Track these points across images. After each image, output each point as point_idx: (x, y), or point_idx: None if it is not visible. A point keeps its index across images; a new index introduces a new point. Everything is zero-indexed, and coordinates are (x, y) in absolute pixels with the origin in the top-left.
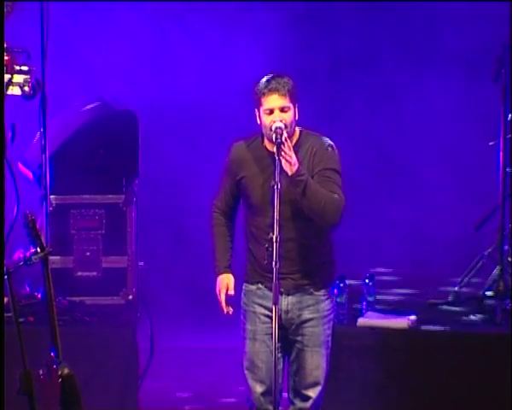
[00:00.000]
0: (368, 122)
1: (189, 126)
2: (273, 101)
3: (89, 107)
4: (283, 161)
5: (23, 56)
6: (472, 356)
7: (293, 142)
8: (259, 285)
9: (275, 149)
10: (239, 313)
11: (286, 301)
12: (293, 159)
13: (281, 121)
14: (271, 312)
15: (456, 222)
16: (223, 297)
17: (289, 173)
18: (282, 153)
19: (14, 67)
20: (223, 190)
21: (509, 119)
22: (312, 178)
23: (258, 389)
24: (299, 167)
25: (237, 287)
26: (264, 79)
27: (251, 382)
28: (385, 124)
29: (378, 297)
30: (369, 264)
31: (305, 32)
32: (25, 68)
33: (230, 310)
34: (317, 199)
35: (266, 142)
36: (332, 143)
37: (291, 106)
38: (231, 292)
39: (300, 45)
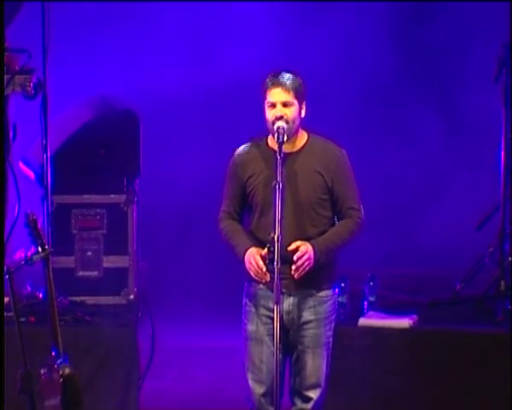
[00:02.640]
0: (370, 123)
1: (190, 126)
2: (276, 95)
3: (90, 106)
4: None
5: (24, 56)
6: (472, 356)
7: (301, 145)
8: (261, 286)
9: (277, 148)
10: (239, 313)
11: (287, 302)
12: (309, 259)
13: (282, 117)
14: (273, 312)
15: (456, 222)
16: (260, 263)
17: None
18: (299, 272)
19: (15, 67)
20: (229, 197)
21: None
22: (332, 183)
23: (259, 390)
24: (315, 255)
25: (239, 287)
26: (271, 73)
27: (251, 382)
28: (385, 124)
29: (379, 297)
30: (369, 264)
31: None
32: (26, 68)
33: (268, 277)
34: (344, 245)
35: (271, 139)
36: (341, 149)
37: (295, 102)
38: (264, 252)
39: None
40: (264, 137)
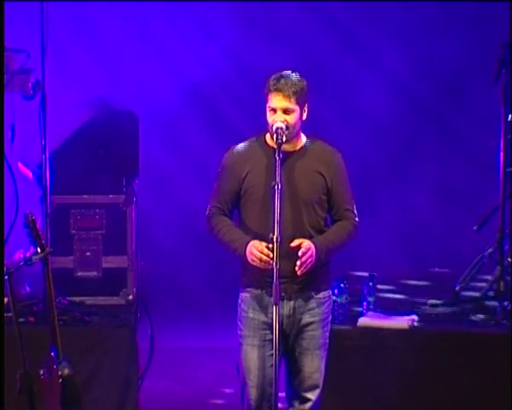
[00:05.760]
0: (366, 121)
1: (190, 126)
2: (277, 101)
3: (89, 106)
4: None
5: (23, 56)
6: (472, 356)
7: (301, 145)
8: (259, 291)
9: (276, 148)
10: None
11: (288, 307)
12: (312, 256)
13: (282, 122)
14: (270, 319)
15: (456, 222)
16: (265, 250)
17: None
18: (303, 268)
19: (14, 67)
20: (222, 193)
21: (509, 119)
22: (331, 184)
23: (255, 395)
24: (317, 252)
25: (238, 287)
26: (274, 75)
27: (247, 387)
28: (384, 123)
29: (378, 297)
30: (369, 264)
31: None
32: (25, 68)
33: (271, 262)
34: (342, 245)
35: (269, 138)
36: (338, 152)
37: (296, 108)
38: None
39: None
40: (262, 134)
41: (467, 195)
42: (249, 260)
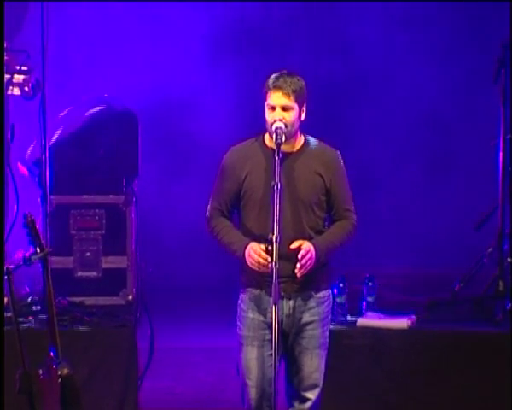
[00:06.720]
0: (366, 120)
1: (190, 126)
2: (276, 98)
3: (89, 107)
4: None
5: (23, 56)
6: (472, 356)
7: (299, 146)
8: (258, 291)
9: (275, 148)
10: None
11: (287, 306)
12: (312, 258)
13: (281, 120)
14: (270, 319)
15: (456, 222)
16: (263, 254)
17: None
18: (303, 270)
19: (14, 67)
20: (222, 194)
21: None
22: (330, 185)
23: (255, 395)
24: (317, 253)
25: (234, 292)
26: (274, 75)
27: (247, 387)
28: (384, 123)
29: (377, 298)
30: (368, 264)
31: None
32: (25, 68)
33: (269, 266)
34: (341, 246)
35: (268, 138)
36: (336, 151)
37: (295, 106)
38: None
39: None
40: (261, 135)
41: (467, 194)
42: (248, 262)
